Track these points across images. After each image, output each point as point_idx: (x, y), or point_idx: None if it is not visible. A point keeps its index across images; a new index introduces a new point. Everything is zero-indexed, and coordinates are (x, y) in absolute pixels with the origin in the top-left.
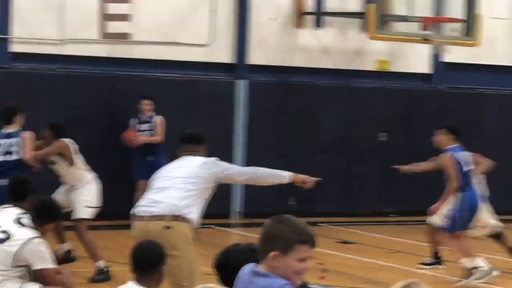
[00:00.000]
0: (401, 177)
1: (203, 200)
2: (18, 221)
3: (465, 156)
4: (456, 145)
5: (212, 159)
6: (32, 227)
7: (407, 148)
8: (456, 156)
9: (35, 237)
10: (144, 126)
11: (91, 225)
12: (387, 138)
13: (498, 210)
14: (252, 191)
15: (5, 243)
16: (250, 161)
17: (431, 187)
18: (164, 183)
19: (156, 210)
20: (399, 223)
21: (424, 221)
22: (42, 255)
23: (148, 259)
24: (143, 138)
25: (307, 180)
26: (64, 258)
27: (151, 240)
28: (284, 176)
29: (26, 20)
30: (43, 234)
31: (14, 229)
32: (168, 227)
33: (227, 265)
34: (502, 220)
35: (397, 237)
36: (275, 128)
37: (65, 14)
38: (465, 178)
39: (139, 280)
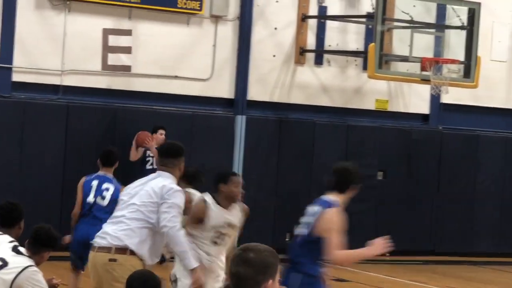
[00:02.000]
0: (397, 216)
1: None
2: (15, 249)
3: None
4: None
5: (174, 189)
6: (28, 256)
7: (403, 187)
8: None
9: (31, 266)
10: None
11: None
12: (384, 177)
13: None
14: (247, 226)
15: (1, 271)
16: (246, 197)
17: (427, 227)
18: (119, 212)
19: (104, 242)
20: (394, 262)
21: (419, 261)
22: (38, 284)
23: None
24: (156, 141)
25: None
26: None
27: (146, 270)
28: (190, 263)
29: (28, 49)
30: (38, 263)
31: (10, 257)
32: (113, 260)
33: None
34: None
35: (391, 276)
36: (273, 165)
37: (67, 44)
38: None
39: None
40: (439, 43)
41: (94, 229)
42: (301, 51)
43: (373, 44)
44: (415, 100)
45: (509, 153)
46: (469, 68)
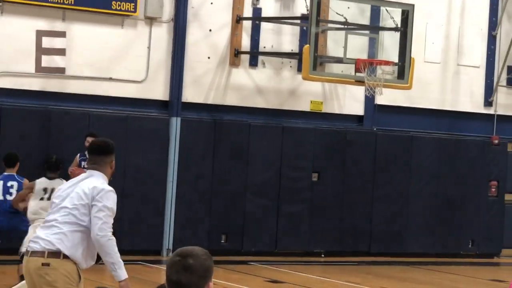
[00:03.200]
0: (331, 218)
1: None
2: None
3: None
4: None
5: (105, 190)
6: None
7: (337, 188)
8: None
9: None
10: None
11: None
12: (318, 178)
13: None
14: (183, 228)
15: None
16: (180, 198)
17: (360, 228)
18: (52, 216)
19: (37, 246)
20: (329, 263)
21: (353, 262)
22: None
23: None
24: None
25: None
26: None
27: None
28: (119, 275)
29: None
30: None
31: None
32: (47, 264)
33: None
34: None
35: (326, 277)
36: (207, 166)
37: (0, 46)
38: None
39: None
40: (373, 45)
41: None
42: (236, 53)
43: (307, 45)
44: (350, 101)
45: (442, 153)
46: (403, 69)
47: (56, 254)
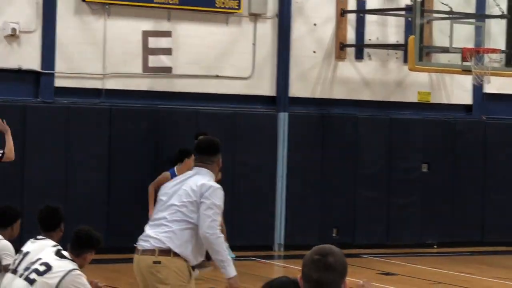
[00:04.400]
0: (442, 208)
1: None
2: (58, 253)
3: None
4: None
5: (213, 187)
6: (71, 259)
7: (447, 179)
8: None
9: (74, 269)
10: None
11: None
12: (428, 169)
13: None
14: (294, 222)
15: (46, 275)
16: (290, 193)
17: (472, 218)
18: (160, 214)
19: (147, 245)
20: (441, 254)
21: (465, 252)
22: (82, 287)
23: None
24: None
25: None
26: None
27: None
28: (228, 272)
29: (70, 55)
30: (82, 265)
31: (54, 261)
32: (158, 262)
33: None
34: None
35: (438, 268)
36: (316, 160)
37: (108, 48)
38: None
39: None
40: (479, 33)
41: None
42: (341, 46)
43: (413, 36)
44: (457, 91)
45: None
46: (511, 57)
47: (166, 252)
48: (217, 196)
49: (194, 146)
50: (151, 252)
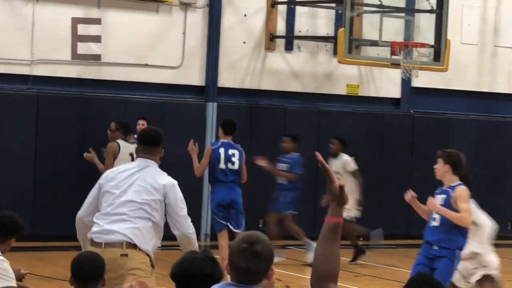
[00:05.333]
0: (369, 201)
1: (161, 227)
2: None
3: None
4: None
5: (174, 184)
6: None
7: (375, 171)
8: None
9: None
10: None
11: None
12: (355, 161)
13: None
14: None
15: None
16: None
17: (399, 211)
18: (119, 209)
19: (113, 237)
20: (366, 247)
21: (391, 245)
22: (5, 273)
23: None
24: None
25: None
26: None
27: (92, 252)
28: None
29: None
30: (4, 251)
31: None
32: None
33: (186, 275)
34: None
35: (363, 260)
36: (245, 151)
37: (36, 34)
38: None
39: None
40: (409, 27)
41: None
42: (271, 37)
43: (342, 29)
44: (386, 84)
45: (480, 135)
46: (439, 51)
47: (133, 246)
48: (179, 191)
49: (138, 137)
50: (119, 245)
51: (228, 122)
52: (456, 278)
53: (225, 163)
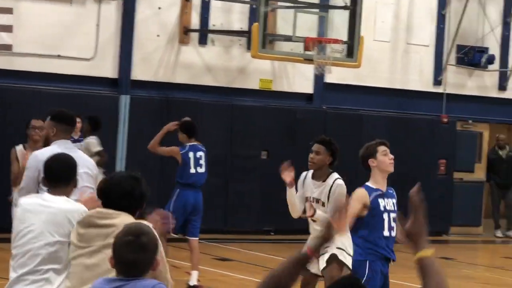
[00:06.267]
0: (281, 196)
1: None
2: None
3: None
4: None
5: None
6: None
7: None
8: None
9: None
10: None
11: None
12: (267, 156)
13: None
14: None
15: None
16: None
17: None
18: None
19: None
20: (278, 241)
21: (302, 239)
22: None
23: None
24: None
25: None
26: None
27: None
28: None
29: None
30: None
31: None
32: None
33: (107, 191)
34: None
35: (274, 255)
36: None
37: None
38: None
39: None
40: (322, 23)
41: None
42: (185, 31)
43: (256, 24)
44: (299, 79)
45: (392, 132)
46: (352, 48)
47: None
48: None
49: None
50: None
51: (189, 124)
52: None
53: (195, 167)
